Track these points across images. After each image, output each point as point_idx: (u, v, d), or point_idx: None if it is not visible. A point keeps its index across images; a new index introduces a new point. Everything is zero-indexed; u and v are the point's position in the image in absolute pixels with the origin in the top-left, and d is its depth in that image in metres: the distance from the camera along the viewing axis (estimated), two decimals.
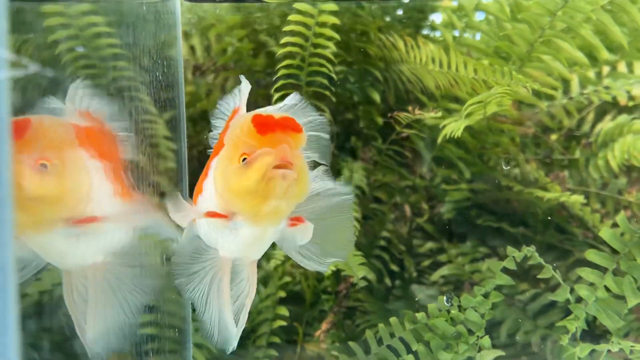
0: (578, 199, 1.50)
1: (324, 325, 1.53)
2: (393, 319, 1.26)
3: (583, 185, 1.70)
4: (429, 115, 1.43)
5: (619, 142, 1.59)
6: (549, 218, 1.64)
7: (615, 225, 1.25)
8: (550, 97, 1.65)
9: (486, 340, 1.20)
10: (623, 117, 1.62)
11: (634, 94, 1.71)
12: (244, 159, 0.67)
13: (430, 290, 1.62)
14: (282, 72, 1.43)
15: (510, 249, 1.24)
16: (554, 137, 1.73)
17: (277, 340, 1.39)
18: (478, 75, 1.41)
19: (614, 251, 1.22)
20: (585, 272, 1.23)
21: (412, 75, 1.62)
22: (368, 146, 1.74)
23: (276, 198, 0.67)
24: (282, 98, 1.45)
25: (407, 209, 1.79)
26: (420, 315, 1.24)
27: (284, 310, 1.36)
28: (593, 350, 1.23)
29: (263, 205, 0.68)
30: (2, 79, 0.51)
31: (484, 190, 1.70)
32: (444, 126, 1.44)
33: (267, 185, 0.65)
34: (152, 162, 1.12)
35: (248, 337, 1.40)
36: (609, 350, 1.23)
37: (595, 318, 1.22)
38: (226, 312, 0.78)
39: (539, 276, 1.22)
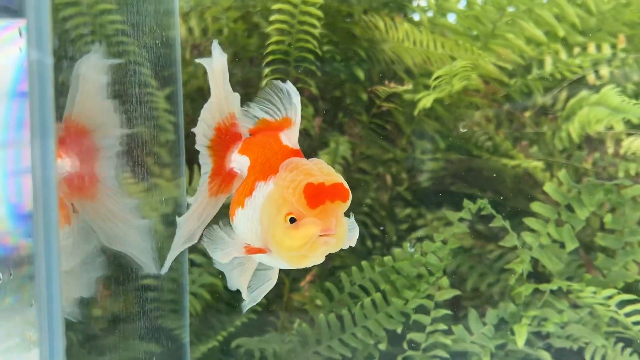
0: (538, 164, 1.65)
1: (308, 277, 1.70)
2: (364, 263, 1.44)
3: (550, 157, 1.86)
4: (402, 88, 1.59)
5: (578, 115, 1.74)
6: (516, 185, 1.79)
7: (560, 182, 1.41)
8: (521, 74, 1.80)
9: (445, 281, 1.37)
10: (583, 92, 1.77)
11: (602, 73, 1.87)
12: (292, 218, 0.72)
13: None
14: (271, 47, 1.59)
15: (466, 202, 1.40)
16: (527, 114, 1.89)
17: None
18: (445, 51, 1.57)
19: (557, 204, 1.38)
20: (530, 221, 1.39)
21: (393, 53, 1.78)
22: (353, 121, 1.90)
23: (315, 257, 0.74)
24: (272, 73, 1.64)
25: (389, 179, 1.95)
26: (387, 259, 1.42)
27: None
28: (537, 290, 1.39)
29: (302, 261, 0.75)
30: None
31: (458, 160, 1.85)
32: (419, 100, 1.60)
33: (309, 247, 0.71)
34: (153, 133, 1.27)
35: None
36: (551, 290, 1.39)
37: (539, 262, 1.38)
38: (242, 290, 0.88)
39: (491, 224, 1.38)
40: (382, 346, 1.38)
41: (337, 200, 0.71)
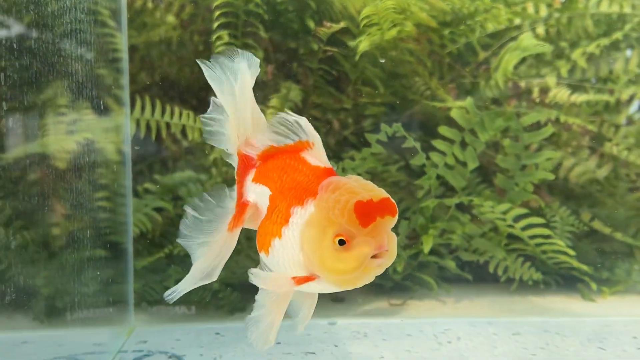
0: (462, 104, 1.83)
1: None
2: None
3: (483, 105, 2.03)
4: (336, 27, 1.76)
5: (502, 63, 1.92)
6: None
7: (466, 110, 1.59)
8: (455, 25, 1.97)
9: None
10: (511, 44, 1.94)
11: (538, 31, 2.05)
12: (341, 240, 0.68)
13: None
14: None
15: (384, 126, 1.57)
16: (463, 64, 2.05)
17: None
18: None
19: (462, 128, 1.56)
20: (438, 143, 1.57)
21: (340, 4, 1.94)
22: (306, 71, 2.06)
23: (368, 280, 0.71)
24: (222, 16, 1.79)
25: (336, 124, 2.13)
26: None
27: None
28: (442, 203, 1.58)
29: (355, 282, 0.71)
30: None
31: (396, 104, 2.03)
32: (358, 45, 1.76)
33: (362, 271, 0.68)
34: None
35: None
36: (456, 204, 1.57)
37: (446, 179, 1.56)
38: (275, 325, 0.81)
39: (403, 145, 1.56)
40: None
41: (387, 215, 0.68)
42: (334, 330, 1.44)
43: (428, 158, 1.58)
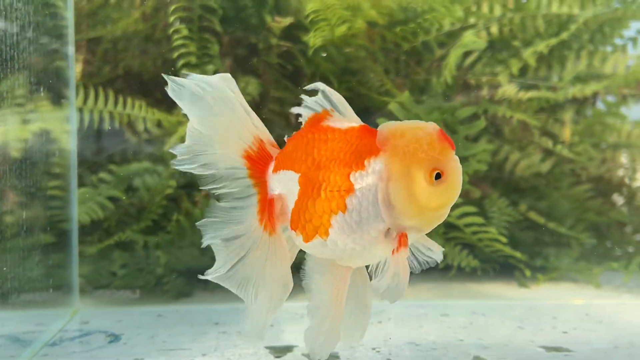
0: (400, 98, 1.89)
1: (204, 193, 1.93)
2: None
3: (435, 101, 2.10)
4: (285, 21, 1.82)
5: (449, 58, 1.99)
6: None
7: (402, 104, 1.66)
8: (405, 23, 2.03)
9: None
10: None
11: (492, 30, 2.12)
12: (437, 174, 0.67)
13: None
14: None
15: None
16: (417, 60, 2.12)
17: None
18: None
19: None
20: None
21: (297, 2, 2.00)
22: (265, 66, 2.12)
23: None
24: (177, 11, 1.84)
25: (291, 116, 2.19)
26: None
27: None
28: None
29: (444, 216, 0.71)
30: None
31: (347, 97, 2.09)
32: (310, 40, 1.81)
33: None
34: None
35: None
36: None
37: None
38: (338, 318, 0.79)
39: None
40: None
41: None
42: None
43: None
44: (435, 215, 0.70)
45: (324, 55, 1.86)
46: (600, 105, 2.22)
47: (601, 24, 2.25)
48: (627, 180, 2.21)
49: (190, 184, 1.83)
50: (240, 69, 2.10)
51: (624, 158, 2.26)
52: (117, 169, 1.80)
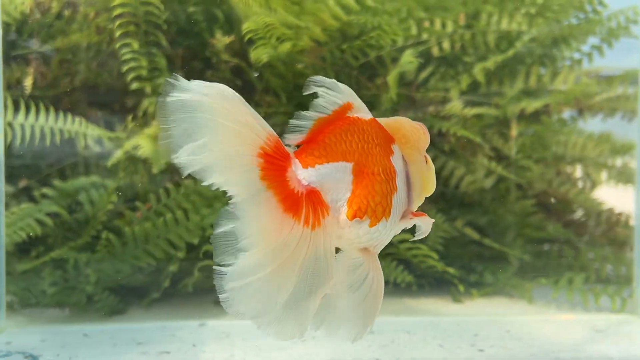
0: None
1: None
2: (170, 185, 1.70)
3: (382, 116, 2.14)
4: (225, 39, 1.85)
5: (388, 77, 2.02)
6: None
7: None
8: (349, 40, 2.06)
9: None
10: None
11: (444, 46, 2.16)
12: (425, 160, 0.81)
13: None
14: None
15: None
16: (364, 76, 2.16)
17: None
18: (276, 14, 1.83)
19: None
20: None
21: (243, 15, 2.03)
22: (218, 81, 2.14)
23: None
24: (122, 26, 1.86)
25: None
26: (189, 182, 1.67)
27: None
28: None
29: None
30: None
31: (293, 112, 2.11)
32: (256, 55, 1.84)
33: None
34: None
35: None
36: None
37: None
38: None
39: None
40: (181, 254, 1.62)
41: None
42: (201, 330, 1.52)
43: None
44: (424, 197, 0.81)
45: (257, 75, 1.89)
46: (552, 119, 2.27)
47: (556, 39, 2.30)
48: (570, 195, 2.25)
49: (134, 198, 1.85)
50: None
51: (571, 170, 2.31)
52: (60, 184, 1.82)
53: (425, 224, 0.80)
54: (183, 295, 1.69)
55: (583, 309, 1.71)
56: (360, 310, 0.75)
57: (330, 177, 0.71)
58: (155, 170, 1.81)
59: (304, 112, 0.75)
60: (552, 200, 2.22)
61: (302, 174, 0.70)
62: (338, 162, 0.71)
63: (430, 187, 0.81)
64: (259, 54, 1.89)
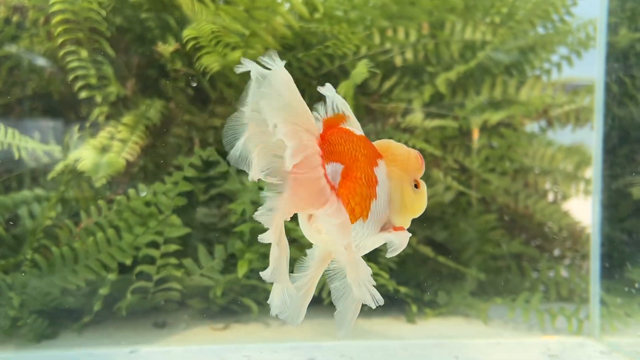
0: None
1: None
2: (101, 202, 1.60)
3: None
4: (170, 47, 1.77)
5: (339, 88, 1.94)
6: None
7: None
8: (306, 49, 1.99)
9: (175, 219, 1.55)
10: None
11: (407, 56, 2.10)
12: (415, 185, 0.82)
13: None
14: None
15: (197, 149, 1.58)
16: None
17: None
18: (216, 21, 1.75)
19: None
20: None
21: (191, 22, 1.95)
22: (174, 89, 2.06)
23: None
24: (65, 33, 1.78)
25: (197, 141, 2.13)
26: (121, 198, 1.58)
27: None
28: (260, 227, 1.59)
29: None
30: None
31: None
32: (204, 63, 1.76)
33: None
34: None
35: None
36: None
37: None
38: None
39: (216, 170, 1.57)
40: (112, 276, 1.53)
41: None
42: (132, 357, 1.43)
43: (242, 183, 1.59)
44: (411, 218, 0.83)
45: (194, 85, 1.81)
46: (517, 131, 2.21)
47: (523, 50, 2.25)
48: (536, 209, 2.19)
49: (75, 214, 1.76)
50: (148, 90, 2.05)
51: (542, 183, 2.25)
52: None
53: (399, 239, 0.81)
54: (117, 319, 1.60)
55: (540, 331, 1.64)
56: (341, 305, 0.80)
57: (331, 175, 0.75)
58: (97, 184, 1.72)
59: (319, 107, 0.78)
60: (516, 214, 2.16)
61: (327, 169, 0.75)
62: (336, 162, 0.77)
63: (417, 209, 0.82)
64: (207, 62, 1.82)
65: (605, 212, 1.86)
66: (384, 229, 0.80)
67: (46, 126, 2.04)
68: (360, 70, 1.76)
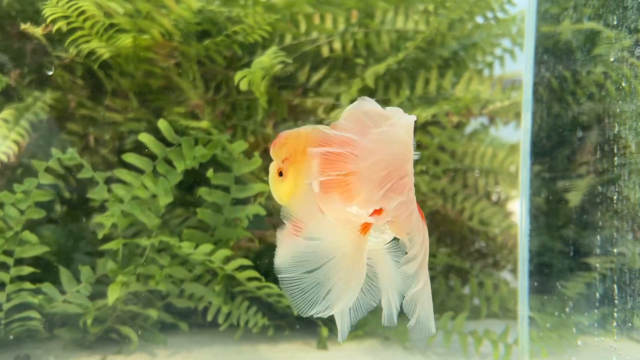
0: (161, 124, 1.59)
1: None
2: None
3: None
4: (38, 29, 1.49)
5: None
6: None
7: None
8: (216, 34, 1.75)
9: (27, 235, 1.28)
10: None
11: (335, 46, 1.89)
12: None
13: None
14: None
15: (55, 151, 1.31)
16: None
17: None
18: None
19: (155, 156, 1.34)
20: (122, 173, 1.33)
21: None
22: (65, 80, 1.78)
23: None
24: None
25: (92, 139, 1.86)
26: None
27: None
28: (136, 244, 1.34)
29: None
30: None
31: (142, 119, 1.78)
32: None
33: None
34: None
35: None
36: (153, 245, 1.34)
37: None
38: None
39: (79, 175, 1.31)
40: None
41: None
42: None
43: (110, 191, 1.34)
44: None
45: (50, 74, 1.54)
46: (451, 128, 2.03)
47: (461, 42, 2.09)
48: (466, 215, 2.02)
49: None
50: (35, 81, 1.77)
51: (484, 183, 2.09)
52: None
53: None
54: None
55: (462, 357, 1.45)
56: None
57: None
58: None
59: None
60: (446, 220, 1.98)
61: None
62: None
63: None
64: (92, 48, 1.55)
65: (542, 218, 1.70)
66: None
67: None
68: (264, 60, 1.52)
